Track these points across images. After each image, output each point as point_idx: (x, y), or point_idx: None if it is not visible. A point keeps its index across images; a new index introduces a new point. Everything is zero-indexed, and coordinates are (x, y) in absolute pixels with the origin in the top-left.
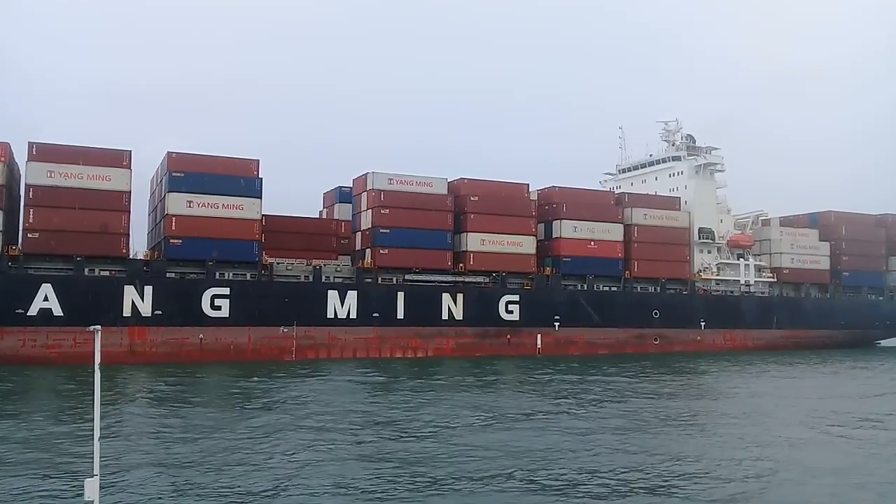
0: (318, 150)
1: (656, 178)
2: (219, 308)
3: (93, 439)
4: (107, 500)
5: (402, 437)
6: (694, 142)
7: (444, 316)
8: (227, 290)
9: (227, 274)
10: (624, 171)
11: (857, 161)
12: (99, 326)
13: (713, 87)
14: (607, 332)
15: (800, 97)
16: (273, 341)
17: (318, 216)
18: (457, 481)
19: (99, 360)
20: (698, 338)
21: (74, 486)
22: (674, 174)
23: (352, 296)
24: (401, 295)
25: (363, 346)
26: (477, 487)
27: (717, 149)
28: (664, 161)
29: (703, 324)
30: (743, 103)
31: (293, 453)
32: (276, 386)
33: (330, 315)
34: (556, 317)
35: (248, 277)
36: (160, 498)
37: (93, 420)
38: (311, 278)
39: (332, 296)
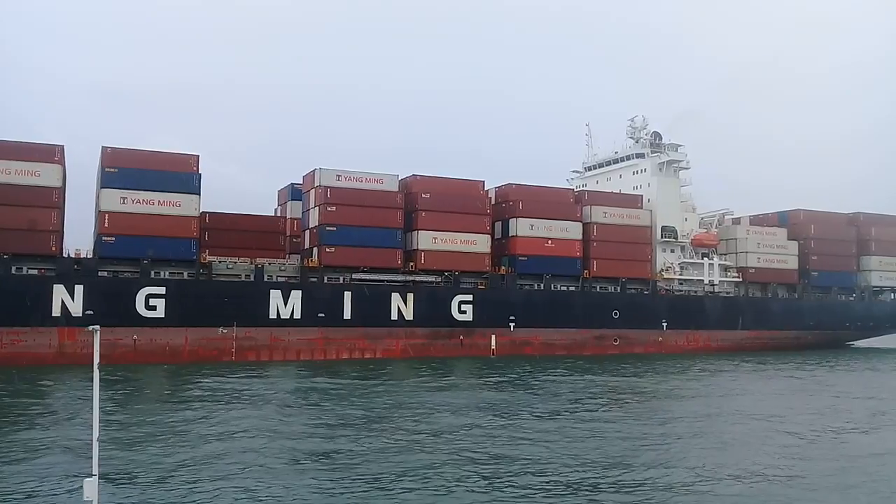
0: (315, 149)
1: (620, 176)
2: (154, 308)
3: (91, 440)
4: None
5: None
6: (660, 139)
7: (394, 316)
8: (162, 290)
9: (162, 273)
10: (590, 168)
11: (849, 163)
12: (98, 326)
13: (695, 85)
14: (565, 332)
15: (789, 97)
16: (211, 342)
17: (273, 214)
18: None
19: (98, 360)
20: (660, 339)
21: None
22: (637, 171)
23: (296, 295)
24: (348, 295)
25: (307, 348)
26: None
27: (681, 145)
28: (628, 158)
29: (665, 324)
30: (725, 102)
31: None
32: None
33: (272, 315)
34: (512, 317)
35: (186, 276)
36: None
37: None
38: (252, 277)
39: (275, 295)
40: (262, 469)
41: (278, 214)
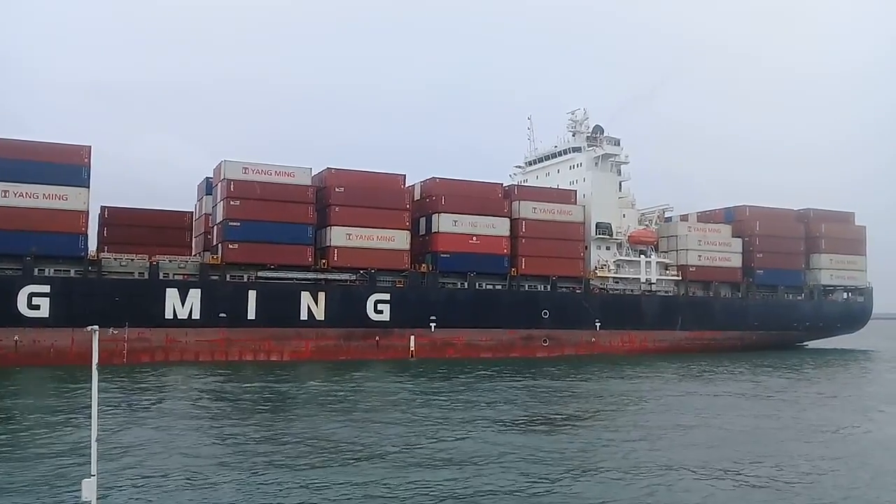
0: (317, 148)
1: (559, 171)
2: (37, 307)
3: (90, 440)
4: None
5: None
6: (602, 132)
7: (304, 316)
8: (47, 288)
9: (47, 270)
10: (531, 163)
11: (846, 164)
12: (97, 326)
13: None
14: (490, 333)
15: (783, 99)
16: (100, 344)
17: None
18: None
19: (97, 361)
20: (593, 339)
21: None
22: (574, 166)
23: (194, 294)
24: (252, 293)
25: (207, 349)
26: None
27: (619, 139)
28: (565, 153)
29: (598, 324)
30: (702, 99)
31: None
32: None
33: (168, 315)
34: (433, 317)
35: (73, 274)
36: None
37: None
38: (146, 275)
39: (171, 294)
40: None
41: (195, 210)
